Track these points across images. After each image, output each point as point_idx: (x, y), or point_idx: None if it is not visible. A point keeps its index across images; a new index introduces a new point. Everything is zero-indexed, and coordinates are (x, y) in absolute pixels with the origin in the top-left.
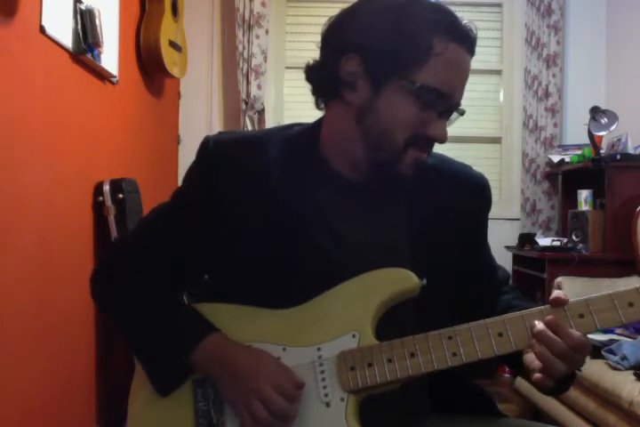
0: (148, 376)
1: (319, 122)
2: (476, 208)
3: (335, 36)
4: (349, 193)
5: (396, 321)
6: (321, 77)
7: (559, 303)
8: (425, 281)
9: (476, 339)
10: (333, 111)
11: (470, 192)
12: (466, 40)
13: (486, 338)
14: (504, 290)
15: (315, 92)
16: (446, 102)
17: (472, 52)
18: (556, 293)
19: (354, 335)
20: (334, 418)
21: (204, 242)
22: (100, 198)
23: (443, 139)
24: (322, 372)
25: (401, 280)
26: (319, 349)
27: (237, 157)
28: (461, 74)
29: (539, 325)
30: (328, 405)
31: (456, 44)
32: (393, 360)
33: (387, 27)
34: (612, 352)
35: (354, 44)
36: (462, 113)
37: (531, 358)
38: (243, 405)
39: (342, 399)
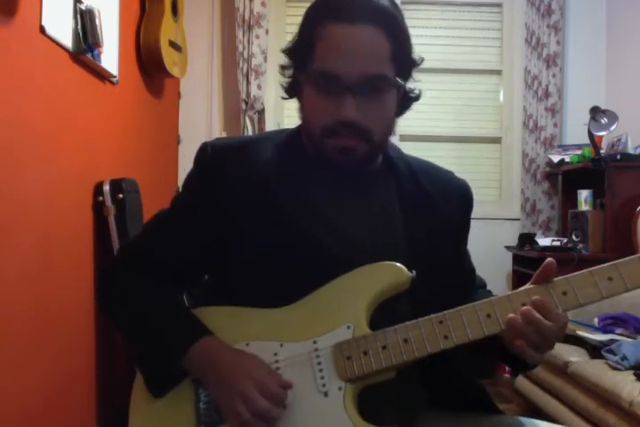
0: (144, 378)
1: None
2: (463, 210)
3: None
4: (341, 186)
5: (389, 313)
6: (286, 90)
7: (546, 276)
8: (414, 273)
9: (465, 321)
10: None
11: (457, 195)
12: (341, 14)
13: (475, 320)
14: (480, 291)
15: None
16: (337, 81)
17: (360, 19)
18: (546, 262)
19: (348, 327)
20: (333, 407)
21: (204, 245)
22: (100, 198)
23: (348, 116)
24: (319, 363)
25: (392, 274)
26: (315, 342)
27: (234, 161)
28: (347, 49)
29: (525, 306)
30: (326, 394)
31: (333, 23)
32: (387, 347)
33: (294, 32)
34: (611, 352)
35: (288, 55)
36: (399, 85)
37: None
38: (227, 405)
39: (340, 388)
